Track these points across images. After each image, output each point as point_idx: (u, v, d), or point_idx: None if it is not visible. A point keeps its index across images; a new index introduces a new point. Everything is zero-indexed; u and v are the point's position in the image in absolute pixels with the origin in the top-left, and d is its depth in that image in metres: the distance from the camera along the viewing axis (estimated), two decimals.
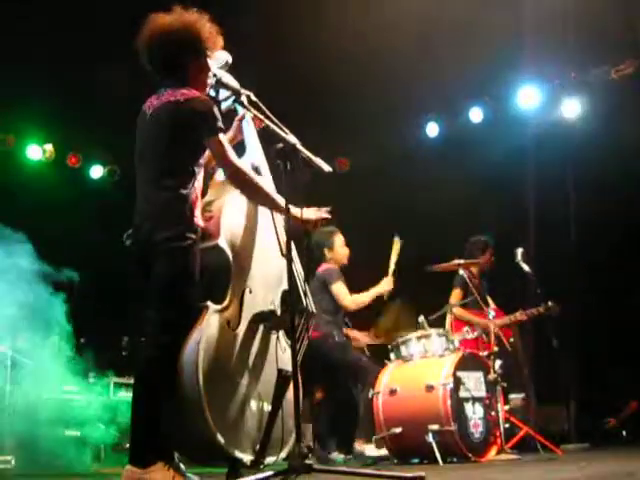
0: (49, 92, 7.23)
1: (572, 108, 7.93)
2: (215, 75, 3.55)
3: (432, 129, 8.81)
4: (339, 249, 6.09)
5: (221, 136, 3.29)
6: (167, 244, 3.16)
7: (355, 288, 5.99)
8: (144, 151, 3.38)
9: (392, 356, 5.61)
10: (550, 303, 6.04)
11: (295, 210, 3.32)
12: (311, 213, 3.55)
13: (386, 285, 5.88)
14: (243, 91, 3.55)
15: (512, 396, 5.87)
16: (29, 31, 6.82)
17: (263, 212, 3.67)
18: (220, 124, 3.30)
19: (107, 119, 7.35)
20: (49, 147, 8.40)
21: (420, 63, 7.07)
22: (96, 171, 8.93)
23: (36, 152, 8.40)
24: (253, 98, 3.53)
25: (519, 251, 5.88)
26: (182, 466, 3.31)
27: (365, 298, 5.88)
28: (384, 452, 5.31)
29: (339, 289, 5.84)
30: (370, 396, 5.36)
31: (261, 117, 3.44)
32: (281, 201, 3.32)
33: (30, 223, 6.20)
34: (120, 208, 4.16)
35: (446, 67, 7.14)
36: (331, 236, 6.06)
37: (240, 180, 3.36)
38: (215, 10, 3.49)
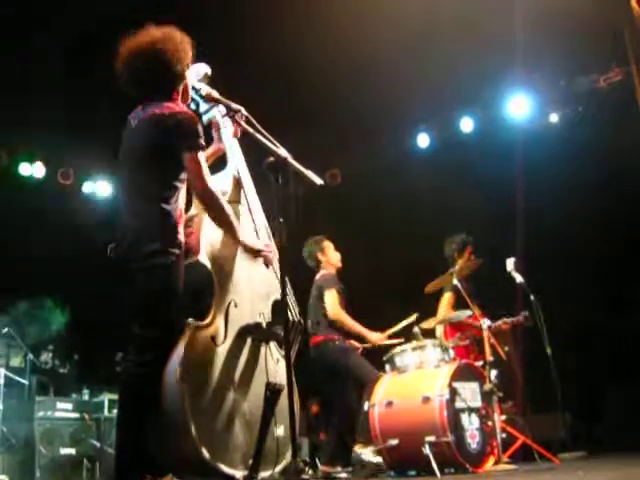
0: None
1: (561, 117, 7.96)
2: (195, 88, 3.58)
3: (423, 139, 8.83)
4: (331, 252, 6.11)
5: (200, 154, 3.30)
6: (150, 259, 3.16)
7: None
8: (128, 163, 3.38)
9: (387, 367, 5.59)
10: (527, 313, 5.99)
11: (249, 241, 3.48)
12: (260, 245, 3.59)
13: (377, 337, 5.86)
14: (234, 105, 3.56)
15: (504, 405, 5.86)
16: None
17: (245, 223, 3.67)
18: (202, 141, 3.32)
19: None
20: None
21: (410, 74, 7.08)
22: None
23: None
24: (244, 112, 3.54)
25: (511, 261, 5.86)
26: None
27: (352, 326, 5.81)
28: (379, 459, 5.30)
29: (330, 297, 5.81)
30: (366, 408, 5.34)
31: (251, 131, 3.44)
32: (239, 233, 3.44)
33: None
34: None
35: (436, 77, 7.16)
36: (320, 242, 6.11)
37: (207, 201, 3.37)
38: (198, 20, 3.50)
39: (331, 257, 6.10)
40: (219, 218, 3.41)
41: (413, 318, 5.96)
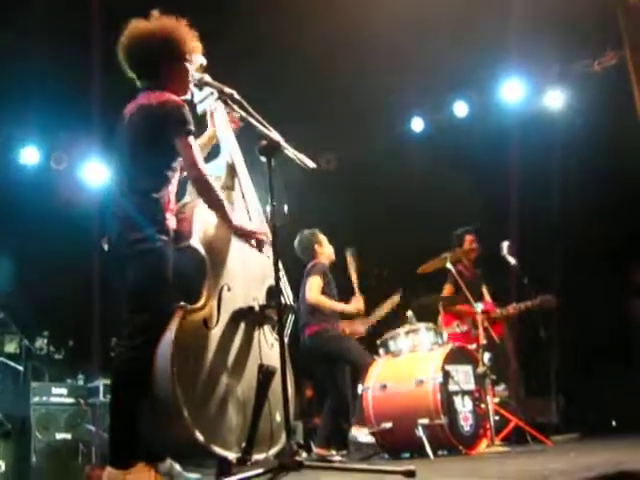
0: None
1: (556, 100, 7.97)
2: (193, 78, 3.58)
3: (417, 124, 8.83)
4: (327, 245, 6.13)
5: (190, 139, 3.32)
6: (138, 246, 3.19)
7: (345, 283, 5.98)
8: (121, 154, 3.43)
9: (381, 351, 5.62)
10: (547, 296, 6.03)
11: (240, 223, 3.48)
12: (251, 227, 3.59)
13: (356, 304, 5.87)
14: (226, 90, 3.55)
15: (498, 388, 5.90)
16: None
17: (239, 209, 3.68)
18: (191, 126, 3.32)
19: None
20: None
21: (404, 58, 7.06)
22: None
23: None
24: (236, 96, 3.53)
25: (505, 244, 5.90)
26: (177, 466, 3.32)
27: (331, 305, 5.81)
28: (372, 440, 5.34)
29: (312, 282, 5.80)
30: (360, 392, 5.37)
31: (244, 115, 3.43)
32: (231, 217, 3.43)
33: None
34: None
35: (430, 61, 7.14)
36: (316, 235, 6.12)
37: (201, 184, 3.38)
38: (196, 9, 3.49)
39: (327, 249, 6.10)
40: (212, 203, 3.41)
41: (397, 298, 5.99)
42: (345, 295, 5.98)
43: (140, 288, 3.19)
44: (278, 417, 3.39)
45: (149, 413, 3.09)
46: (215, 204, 3.42)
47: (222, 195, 3.46)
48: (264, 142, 3.22)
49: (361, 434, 5.45)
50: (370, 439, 5.37)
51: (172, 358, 3.09)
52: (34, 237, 7.62)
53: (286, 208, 4.64)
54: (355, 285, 5.98)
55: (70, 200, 8.09)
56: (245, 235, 3.54)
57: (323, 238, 6.13)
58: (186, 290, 3.33)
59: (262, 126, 3.35)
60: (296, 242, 6.11)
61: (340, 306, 5.86)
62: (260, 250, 3.61)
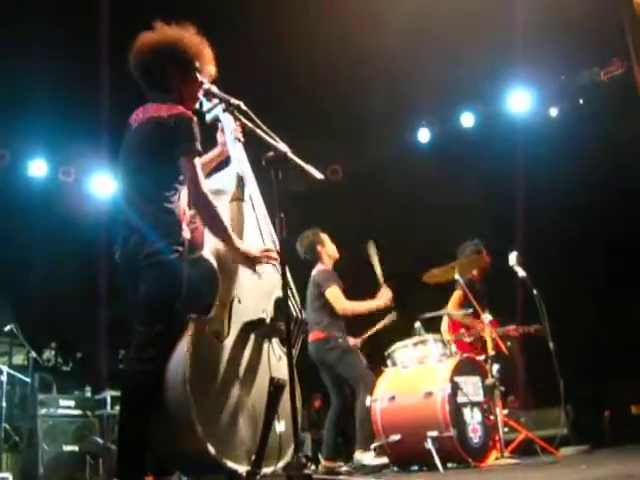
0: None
1: (561, 111, 7.97)
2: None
3: (424, 135, 8.83)
4: (329, 244, 6.08)
5: (196, 160, 3.28)
6: (154, 257, 3.16)
7: (350, 294, 5.96)
8: (129, 163, 3.39)
9: (389, 363, 5.59)
10: (538, 326, 5.98)
11: (244, 247, 3.38)
12: (256, 251, 3.48)
13: (385, 297, 5.82)
14: (233, 101, 3.55)
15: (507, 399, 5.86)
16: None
17: (249, 221, 3.67)
18: (198, 146, 3.30)
19: None
20: None
21: (411, 69, 7.07)
22: None
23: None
24: (243, 107, 3.52)
25: (513, 255, 5.84)
26: None
27: (362, 308, 5.81)
28: (383, 460, 5.28)
29: (333, 294, 5.76)
30: (368, 404, 5.34)
31: (251, 126, 3.43)
32: (235, 238, 3.36)
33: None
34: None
35: (437, 73, 7.16)
36: (317, 234, 6.07)
37: (201, 206, 3.32)
38: (200, 21, 3.50)
39: (330, 249, 6.07)
40: (212, 225, 3.36)
41: (392, 317, 5.97)
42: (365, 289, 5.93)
43: (153, 300, 3.16)
44: (283, 427, 3.36)
45: (160, 426, 3.06)
46: (216, 228, 3.36)
47: (225, 217, 3.41)
48: (271, 153, 3.22)
49: (366, 457, 5.33)
50: (377, 461, 5.28)
51: (185, 370, 3.08)
52: (42, 248, 7.65)
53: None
54: (380, 278, 5.91)
55: (78, 212, 8.12)
56: (251, 261, 3.45)
57: (325, 237, 6.08)
58: (197, 302, 3.32)
59: (269, 137, 3.35)
60: (298, 243, 6.07)
61: (372, 304, 5.82)
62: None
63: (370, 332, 6.08)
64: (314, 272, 5.96)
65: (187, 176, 3.30)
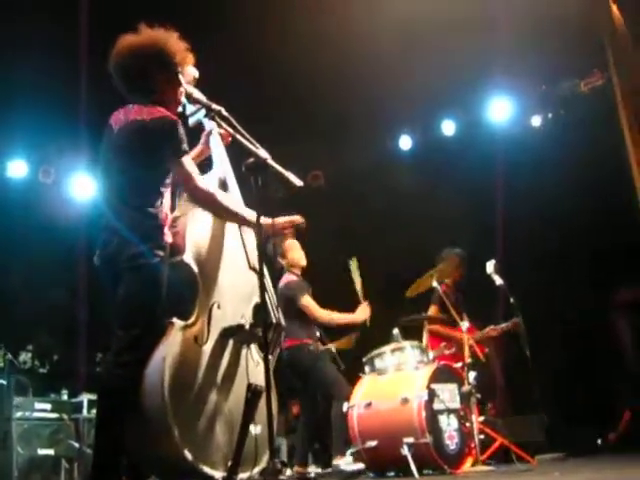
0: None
1: (542, 121, 8.04)
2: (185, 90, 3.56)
3: (405, 142, 8.87)
4: (292, 254, 6.00)
5: (184, 159, 3.29)
6: (135, 260, 3.15)
7: (328, 301, 5.95)
8: (111, 167, 3.36)
9: (366, 369, 5.60)
10: (515, 320, 6.03)
11: (265, 220, 3.35)
12: (281, 220, 3.54)
13: (363, 313, 5.80)
14: (214, 106, 3.55)
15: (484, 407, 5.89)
16: None
17: (230, 226, 3.67)
18: (185, 146, 3.30)
19: None
20: None
21: (392, 76, 7.10)
22: None
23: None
24: (224, 113, 3.52)
25: (491, 263, 5.87)
26: None
27: (340, 320, 5.79)
28: (360, 466, 5.28)
29: (308, 303, 5.74)
30: (345, 410, 5.34)
31: (232, 132, 3.43)
32: (251, 215, 3.35)
33: None
34: None
35: (418, 80, 7.18)
36: (280, 243, 5.95)
37: (202, 199, 3.37)
38: (185, 25, 3.50)
39: (293, 260, 5.98)
40: (220, 212, 3.41)
41: (355, 265, 5.92)
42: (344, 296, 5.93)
43: (132, 303, 3.14)
44: (259, 430, 3.36)
45: (137, 431, 3.05)
46: (228, 214, 3.41)
47: (231, 199, 3.42)
48: (251, 159, 3.23)
49: (343, 463, 5.32)
50: (354, 467, 5.27)
51: (164, 375, 3.07)
52: (20, 250, 7.58)
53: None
54: (360, 294, 5.88)
55: (57, 213, 8.07)
56: (277, 229, 3.49)
57: (293, 243, 6.02)
58: (177, 306, 3.32)
59: (249, 143, 3.36)
60: (267, 249, 6.01)
61: (349, 317, 5.80)
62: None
63: (360, 294, 5.94)
64: (281, 284, 5.85)
65: (179, 175, 3.31)
